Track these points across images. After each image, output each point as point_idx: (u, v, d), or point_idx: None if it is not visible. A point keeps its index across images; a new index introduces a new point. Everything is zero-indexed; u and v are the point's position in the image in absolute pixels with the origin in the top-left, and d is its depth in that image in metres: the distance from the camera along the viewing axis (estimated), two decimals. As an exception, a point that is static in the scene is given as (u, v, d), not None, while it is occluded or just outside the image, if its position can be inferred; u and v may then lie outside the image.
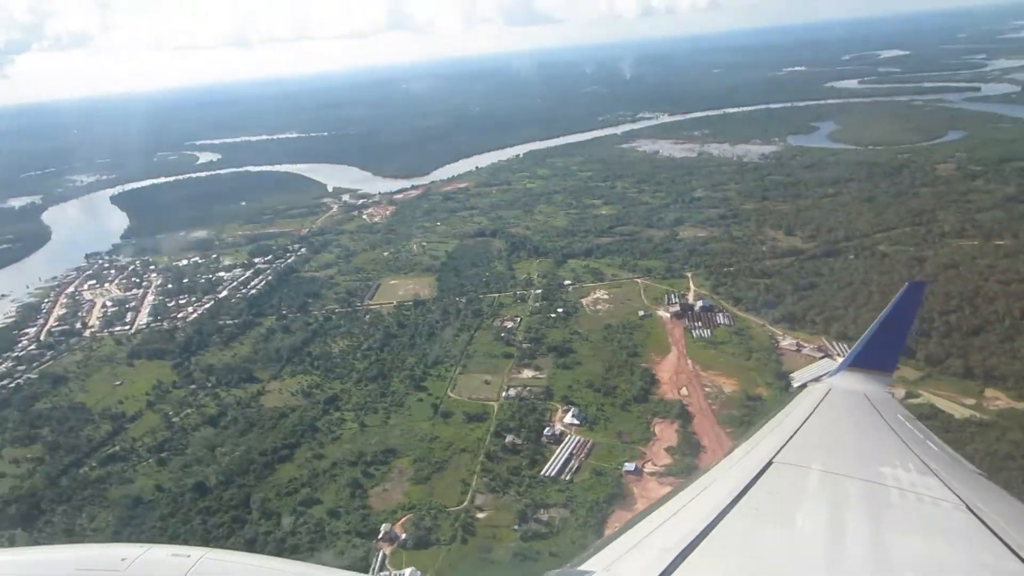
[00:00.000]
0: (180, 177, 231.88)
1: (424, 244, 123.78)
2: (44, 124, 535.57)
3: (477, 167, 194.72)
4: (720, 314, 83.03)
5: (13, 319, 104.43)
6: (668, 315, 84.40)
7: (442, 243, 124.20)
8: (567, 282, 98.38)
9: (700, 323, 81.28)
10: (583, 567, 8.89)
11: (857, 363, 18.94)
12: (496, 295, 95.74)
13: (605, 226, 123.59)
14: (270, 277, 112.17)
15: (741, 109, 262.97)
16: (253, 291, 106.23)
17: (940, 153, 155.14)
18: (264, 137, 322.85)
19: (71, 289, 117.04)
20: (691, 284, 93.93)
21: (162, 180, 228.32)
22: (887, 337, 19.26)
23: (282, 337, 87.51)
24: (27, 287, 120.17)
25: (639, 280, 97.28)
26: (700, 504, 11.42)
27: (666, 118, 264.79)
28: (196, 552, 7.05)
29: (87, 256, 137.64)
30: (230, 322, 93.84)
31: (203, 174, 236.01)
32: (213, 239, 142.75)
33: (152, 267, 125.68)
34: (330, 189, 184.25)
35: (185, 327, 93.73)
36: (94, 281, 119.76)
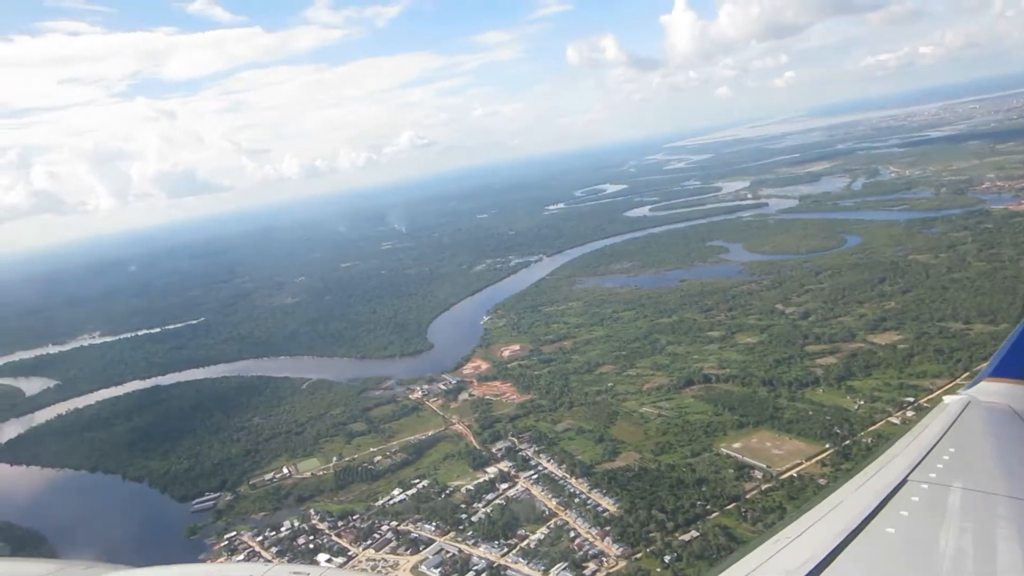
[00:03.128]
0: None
1: (656, 408, 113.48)
2: None
3: (485, 329, 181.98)
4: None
5: None
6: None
7: (669, 399, 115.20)
8: (909, 399, 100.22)
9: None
10: None
11: (1000, 372, 17.82)
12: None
13: (796, 351, 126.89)
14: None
15: (609, 242, 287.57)
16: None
17: (888, 252, 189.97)
18: (109, 338, 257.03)
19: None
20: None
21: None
22: None
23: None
24: None
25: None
26: (827, 526, 10.98)
27: (548, 260, 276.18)
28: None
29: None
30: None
31: (121, 391, 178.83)
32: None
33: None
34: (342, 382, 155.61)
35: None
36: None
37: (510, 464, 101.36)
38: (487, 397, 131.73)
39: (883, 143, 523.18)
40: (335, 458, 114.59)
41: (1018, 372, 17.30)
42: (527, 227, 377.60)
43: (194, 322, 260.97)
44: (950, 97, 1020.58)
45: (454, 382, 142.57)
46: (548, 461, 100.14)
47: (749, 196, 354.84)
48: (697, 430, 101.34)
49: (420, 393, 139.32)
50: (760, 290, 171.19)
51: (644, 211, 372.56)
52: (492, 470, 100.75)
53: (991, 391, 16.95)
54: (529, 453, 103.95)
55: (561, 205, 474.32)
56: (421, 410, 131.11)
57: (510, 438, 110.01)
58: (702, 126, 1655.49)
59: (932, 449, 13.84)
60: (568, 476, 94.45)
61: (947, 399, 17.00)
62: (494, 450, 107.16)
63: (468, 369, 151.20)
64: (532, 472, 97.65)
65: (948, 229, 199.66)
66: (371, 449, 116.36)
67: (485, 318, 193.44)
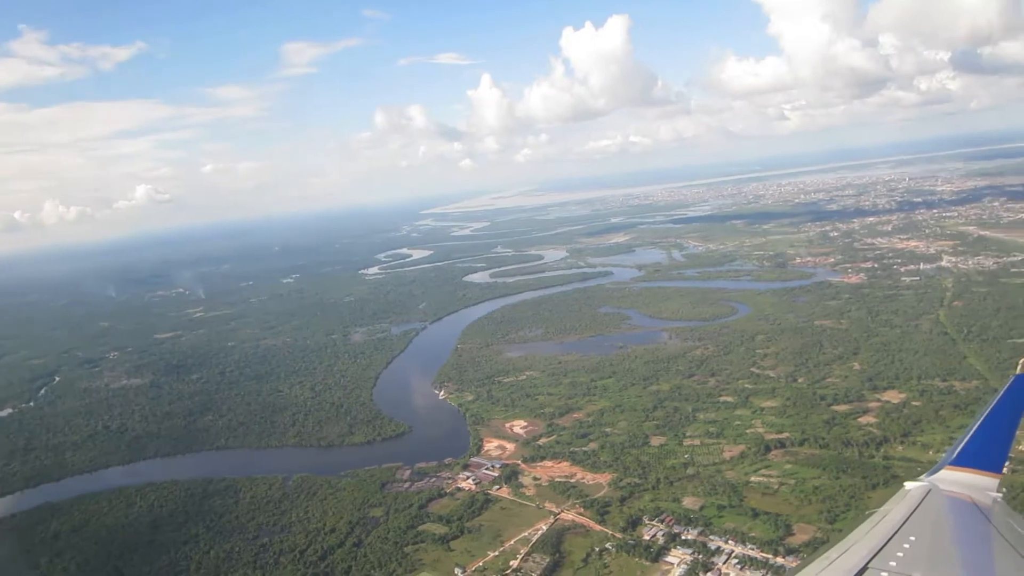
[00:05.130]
0: None
1: (765, 476, 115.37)
2: None
3: (457, 406, 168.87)
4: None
5: None
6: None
7: (766, 466, 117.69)
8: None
9: None
10: None
11: (960, 461, 18.22)
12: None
13: (828, 412, 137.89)
14: None
15: (483, 308, 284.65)
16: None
17: (790, 319, 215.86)
18: None
19: None
20: None
21: None
22: (992, 434, 18.45)
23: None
24: None
25: None
26: None
27: (432, 327, 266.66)
28: None
29: None
30: None
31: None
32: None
33: None
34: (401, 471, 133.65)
35: None
36: None
37: (687, 551, 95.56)
38: (558, 479, 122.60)
39: (651, 219, 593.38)
40: (458, 571, 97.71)
41: (978, 462, 17.83)
42: (363, 293, 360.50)
43: (2, 415, 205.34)
44: (662, 181, 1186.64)
45: (498, 466, 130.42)
46: (727, 543, 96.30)
47: (583, 265, 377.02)
48: (840, 495, 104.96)
49: (471, 482, 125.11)
50: (712, 356, 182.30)
51: (484, 277, 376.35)
52: (673, 559, 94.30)
53: (952, 480, 17.42)
54: (692, 536, 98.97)
55: (376, 270, 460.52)
56: (495, 501, 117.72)
57: (651, 522, 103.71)
58: (446, 194, 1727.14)
59: (893, 536, 14.03)
60: (772, 556, 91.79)
61: (908, 485, 17.57)
62: (647, 538, 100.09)
63: (493, 450, 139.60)
64: (726, 557, 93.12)
65: (816, 299, 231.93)
66: (490, 554, 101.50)
67: (439, 393, 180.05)
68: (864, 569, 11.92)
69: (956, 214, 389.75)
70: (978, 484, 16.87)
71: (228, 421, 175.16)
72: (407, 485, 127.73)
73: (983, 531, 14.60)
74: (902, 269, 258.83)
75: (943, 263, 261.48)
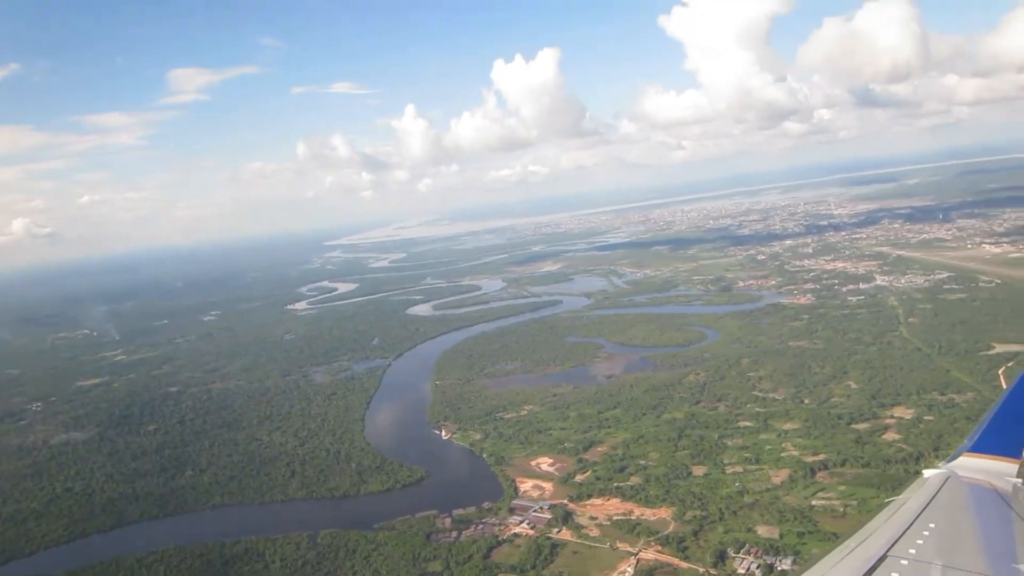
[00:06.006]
0: None
1: (825, 500, 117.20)
2: None
3: (468, 446, 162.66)
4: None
5: None
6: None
7: (822, 490, 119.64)
8: None
9: None
10: None
11: (979, 448, 18.54)
12: None
13: (851, 431, 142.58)
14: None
15: (443, 342, 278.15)
16: None
17: (765, 342, 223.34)
18: None
19: None
20: None
21: None
22: (1010, 420, 18.93)
23: None
24: None
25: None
26: None
27: (396, 363, 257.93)
28: None
29: None
30: None
31: None
32: None
33: None
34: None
35: None
36: None
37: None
38: (616, 517, 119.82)
39: (573, 247, 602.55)
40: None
41: (997, 448, 18.12)
42: (303, 330, 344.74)
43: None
44: (564, 209, 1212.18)
45: (546, 507, 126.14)
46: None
47: (527, 294, 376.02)
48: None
49: (526, 526, 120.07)
50: (708, 381, 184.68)
51: (427, 310, 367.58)
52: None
53: (970, 467, 17.65)
54: (787, 566, 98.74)
55: (304, 304, 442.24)
56: (562, 545, 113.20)
57: (738, 555, 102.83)
58: (348, 225, 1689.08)
59: (912, 524, 14.15)
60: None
61: (926, 473, 17.86)
62: (742, 571, 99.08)
63: (531, 491, 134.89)
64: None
65: (778, 321, 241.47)
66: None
67: (441, 433, 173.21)
68: (883, 558, 11.48)
69: (865, 235, 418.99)
70: (997, 470, 16.74)
71: (214, 476, 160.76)
72: (454, 535, 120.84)
73: (1004, 516, 14.49)
74: (844, 289, 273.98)
75: (878, 282, 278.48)
